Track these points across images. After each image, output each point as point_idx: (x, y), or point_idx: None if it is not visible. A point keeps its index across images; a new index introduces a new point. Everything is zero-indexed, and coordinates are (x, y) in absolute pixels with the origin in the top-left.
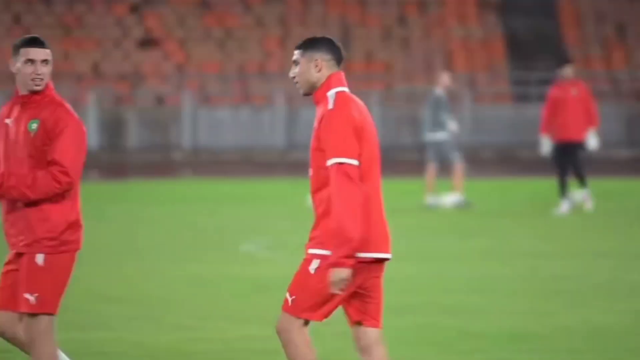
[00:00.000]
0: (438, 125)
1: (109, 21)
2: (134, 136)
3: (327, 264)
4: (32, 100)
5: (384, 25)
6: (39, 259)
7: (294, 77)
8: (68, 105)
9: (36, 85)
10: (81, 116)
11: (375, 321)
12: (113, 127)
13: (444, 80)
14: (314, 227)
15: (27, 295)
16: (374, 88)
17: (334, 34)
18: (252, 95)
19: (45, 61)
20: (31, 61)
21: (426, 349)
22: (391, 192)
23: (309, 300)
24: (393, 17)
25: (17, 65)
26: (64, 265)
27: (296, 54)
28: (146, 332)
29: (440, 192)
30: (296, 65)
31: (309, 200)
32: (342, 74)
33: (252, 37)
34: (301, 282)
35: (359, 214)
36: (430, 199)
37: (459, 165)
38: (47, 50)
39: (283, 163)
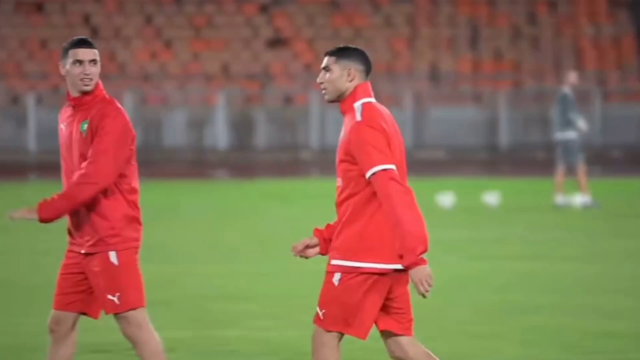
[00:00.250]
0: (567, 124)
1: (238, 21)
2: (263, 136)
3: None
4: (83, 101)
5: (513, 24)
6: (112, 257)
7: (321, 83)
8: (117, 104)
9: (85, 85)
10: (210, 116)
11: (406, 330)
12: (242, 127)
13: (571, 78)
14: (336, 237)
15: (109, 297)
16: (502, 87)
17: (462, 34)
18: (380, 95)
19: (93, 61)
20: (79, 62)
21: (551, 349)
22: (520, 191)
23: (339, 313)
24: (522, 15)
25: (66, 67)
26: (133, 260)
27: (328, 60)
28: (273, 330)
29: (569, 192)
30: (326, 71)
31: (439, 199)
32: (369, 85)
33: (380, 36)
34: (328, 295)
35: (418, 211)
36: (559, 199)
37: (581, 167)
38: (95, 51)
39: (411, 162)
